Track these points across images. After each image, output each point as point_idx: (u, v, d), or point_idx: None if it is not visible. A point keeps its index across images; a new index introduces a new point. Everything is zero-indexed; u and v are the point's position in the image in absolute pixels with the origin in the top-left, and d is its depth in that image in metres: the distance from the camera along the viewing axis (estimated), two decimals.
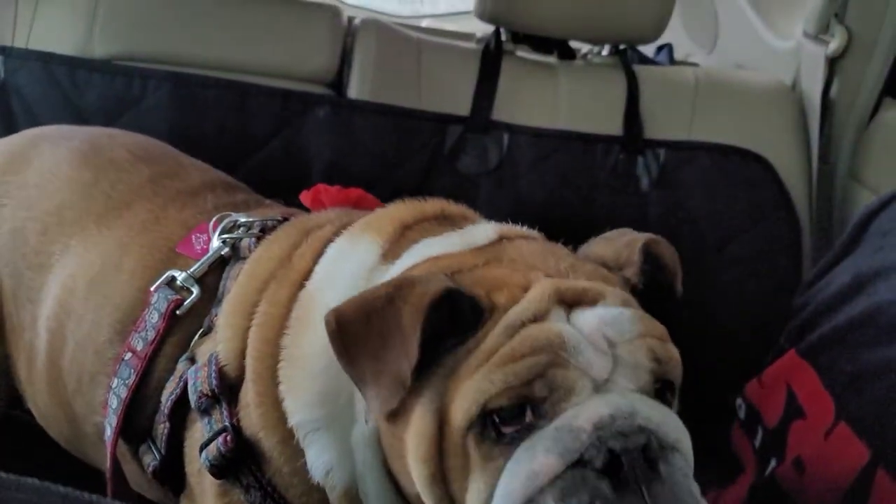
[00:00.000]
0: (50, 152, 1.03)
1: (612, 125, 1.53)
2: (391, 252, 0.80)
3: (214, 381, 0.78)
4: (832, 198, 1.51)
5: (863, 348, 0.96)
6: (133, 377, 0.85)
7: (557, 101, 1.54)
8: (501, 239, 0.80)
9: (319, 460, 0.75)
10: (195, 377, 0.80)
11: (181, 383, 0.82)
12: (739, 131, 1.54)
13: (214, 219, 0.92)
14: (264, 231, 0.91)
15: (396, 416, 0.69)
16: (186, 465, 0.83)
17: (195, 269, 0.88)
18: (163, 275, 0.88)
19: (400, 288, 0.68)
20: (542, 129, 1.50)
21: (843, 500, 0.89)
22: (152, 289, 0.88)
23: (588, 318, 0.69)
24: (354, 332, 0.67)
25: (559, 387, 0.66)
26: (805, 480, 0.96)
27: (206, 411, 0.79)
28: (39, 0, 1.39)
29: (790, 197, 1.51)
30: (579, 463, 0.63)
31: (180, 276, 0.88)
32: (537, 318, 0.68)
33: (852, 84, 1.48)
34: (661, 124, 1.55)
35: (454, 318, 0.68)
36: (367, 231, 0.83)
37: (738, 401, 1.18)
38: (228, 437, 0.76)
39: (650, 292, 0.78)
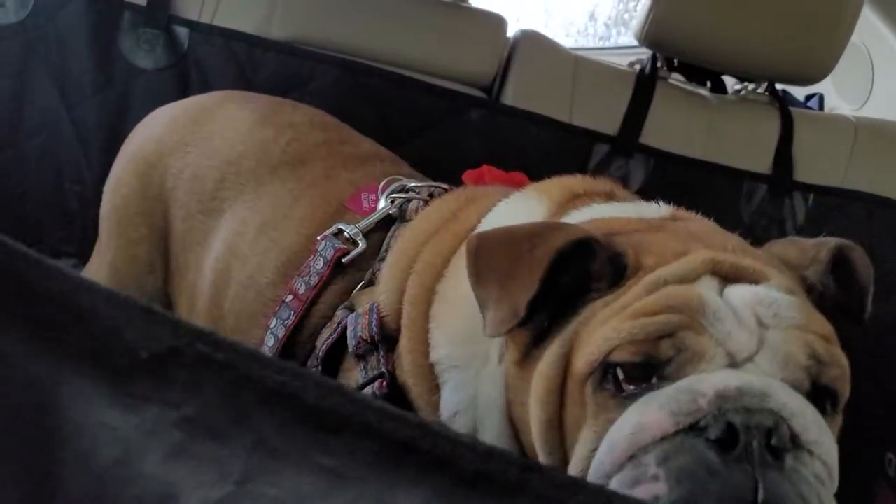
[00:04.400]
0: (235, 109, 1.11)
1: (760, 164, 1.50)
2: (557, 213, 0.80)
3: (375, 329, 0.80)
4: None
5: None
6: (292, 318, 0.87)
7: (707, 132, 1.51)
8: (674, 217, 0.79)
9: (451, 399, 0.76)
10: (355, 323, 0.82)
11: (338, 329, 0.84)
12: None
13: (384, 181, 0.96)
14: (431, 197, 0.93)
15: (527, 360, 0.69)
16: None
17: (364, 224, 0.91)
18: (330, 226, 0.91)
19: (544, 227, 0.70)
20: (689, 159, 1.48)
21: None
22: (319, 237, 0.91)
23: (741, 293, 0.64)
24: (489, 256, 0.68)
25: (687, 349, 0.61)
26: None
27: (363, 357, 0.80)
28: None
29: None
30: (693, 430, 0.58)
31: (348, 228, 0.90)
32: (683, 280, 0.65)
33: None
34: (813, 168, 1.50)
35: (599, 274, 0.67)
36: (536, 192, 0.85)
37: (889, 456, 1.10)
38: (384, 382, 0.77)
39: (833, 310, 0.70)
